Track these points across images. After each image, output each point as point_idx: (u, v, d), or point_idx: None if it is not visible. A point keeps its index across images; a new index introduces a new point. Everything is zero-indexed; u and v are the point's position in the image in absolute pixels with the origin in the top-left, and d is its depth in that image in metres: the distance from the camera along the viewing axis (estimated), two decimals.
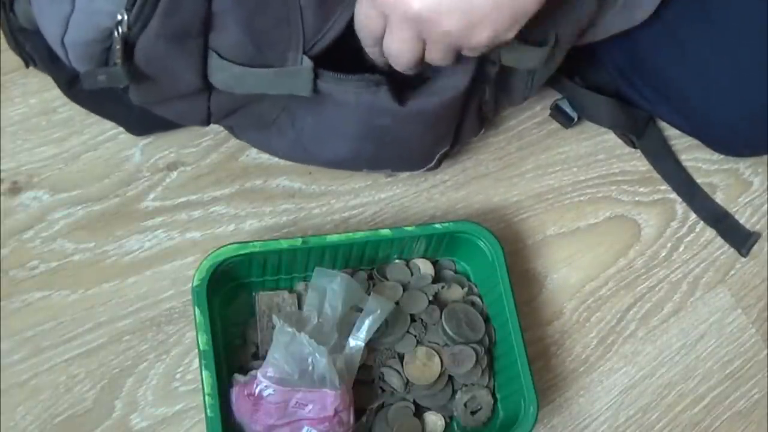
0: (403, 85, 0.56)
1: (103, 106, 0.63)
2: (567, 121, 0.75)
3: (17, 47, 0.60)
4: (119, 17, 0.48)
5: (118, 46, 0.49)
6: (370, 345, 0.59)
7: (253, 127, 0.61)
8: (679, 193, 0.76)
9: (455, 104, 0.59)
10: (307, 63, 0.52)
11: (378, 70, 0.56)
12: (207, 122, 0.59)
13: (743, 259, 0.76)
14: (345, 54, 0.54)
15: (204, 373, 0.54)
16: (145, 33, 0.49)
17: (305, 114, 0.58)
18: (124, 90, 0.54)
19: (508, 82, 0.63)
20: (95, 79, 0.51)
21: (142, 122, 0.64)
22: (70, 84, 0.61)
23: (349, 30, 0.52)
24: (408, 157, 0.63)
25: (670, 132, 0.78)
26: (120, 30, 0.48)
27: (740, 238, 0.76)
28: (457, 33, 0.48)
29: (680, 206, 0.76)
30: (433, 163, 0.64)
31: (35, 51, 0.59)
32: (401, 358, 0.61)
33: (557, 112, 0.75)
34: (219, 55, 0.52)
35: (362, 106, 0.55)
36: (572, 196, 0.74)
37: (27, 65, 0.62)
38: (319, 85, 0.53)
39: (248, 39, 0.51)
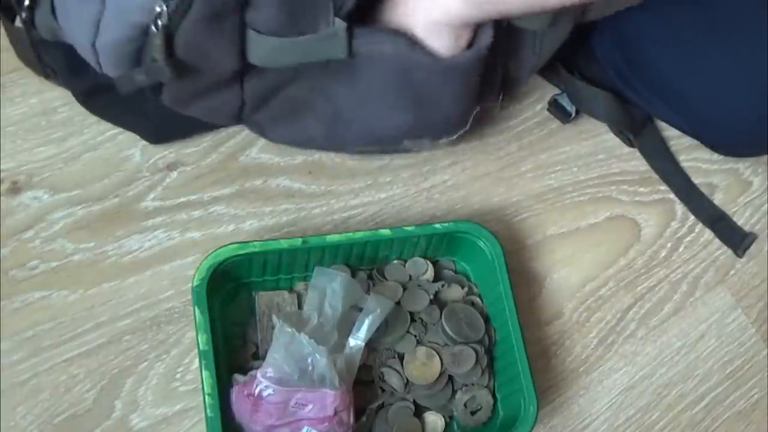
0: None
1: (120, 116, 0.63)
2: (565, 116, 0.75)
3: (38, 60, 0.59)
4: (158, 9, 0.47)
5: (157, 41, 0.48)
6: (370, 345, 0.59)
7: (286, 118, 0.60)
8: (675, 193, 0.76)
9: (485, 57, 0.58)
10: (340, 23, 0.52)
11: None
12: (239, 117, 0.58)
13: (743, 260, 0.76)
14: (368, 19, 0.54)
15: (204, 373, 0.54)
16: (187, 18, 0.48)
17: (338, 86, 0.57)
18: (155, 92, 0.53)
19: (515, 45, 0.62)
20: (132, 80, 0.50)
21: (160, 130, 0.64)
22: (89, 94, 0.61)
23: None
24: (445, 119, 0.62)
25: (670, 132, 0.78)
26: (160, 22, 0.47)
27: (737, 240, 0.76)
28: None
29: (680, 206, 0.76)
30: (468, 126, 0.63)
31: (54, 63, 0.59)
32: (401, 358, 0.61)
33: (555, 107, 0.75)
34: (256, 30, 0.51)
35: (398, 59, 0.54)
36: (572, 196, 0.74)
37: (47, 77, 0.62)
38: (353, 45, 0.53)
39: (283, 10, 0.50)
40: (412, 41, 0.54)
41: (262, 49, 0.52)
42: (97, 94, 0.60)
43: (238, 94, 0.56)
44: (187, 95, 0.55)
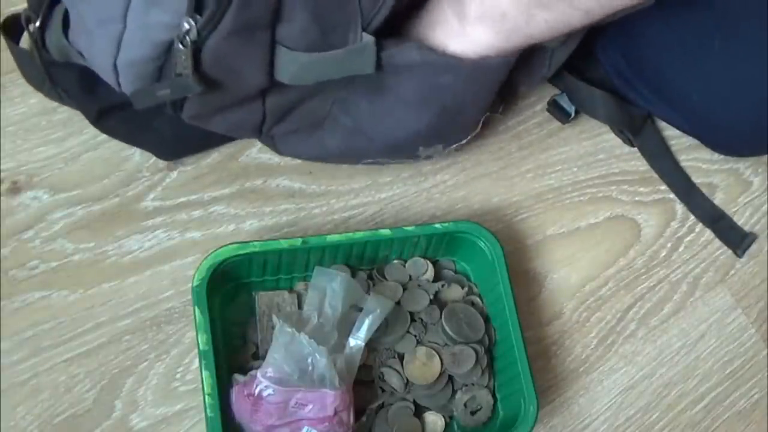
0: None
1: (133, 135, 0.63)
2: (564, 117, 0.75)
3: (49, 81, 0.59)
4: (186, 26, 0.46)
5: (183, 57, 0.47)
6: (370, 345, 0.59)
7: (304, 131, 0.60)
8: (675, 193, 0.76)
9: (509, 64, 0.58)
10: (369, 38, 0.52)
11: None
12: (259, 130, 0.58)
13: (743, 260, 0.76)
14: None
15: (204, 373, 0.54)
16: (216, 33, 0.47)
17: (359, 99, 0.57)
18: (176, 108, 0.53)
19: (529, 58, 0.62)
20: (153, 95, 0.49)
21: (173, 147, 0.64)
22: (101, 115, 0.60)
23: (398, 6, 0.52)
24: (461, 124, 0.62)
25: (670, 132, 0.78)
26: (189, 38, 0.47)
27: (736, 239, 0.76)
28: None
29: (680, 206, 0.76)
30: (477, 129, 0.64)
31: (66, 84, 0.59)
32: (401, 358, 0.61)
33: (554, 108, 0.75)
34: (286, 47, 0.51)
35: (426, 65, 0.54)
36: (572, 196, 0.74)
37: (59, 100, 0.61)
38: (381, 58, 0.53)
39: (315, 24, 0.50)
40: (439, 48, 0.54)
41: (291, 66, 0.51)
42: (110, 114, 0.60)
43: (260, 108, 0.56)
44: (209, 111, 0.54)
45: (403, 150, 0.63)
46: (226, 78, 0.51)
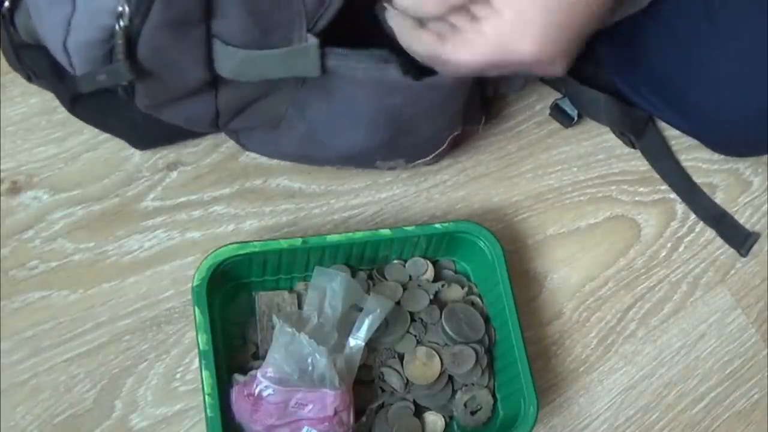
0: (414, 61, 0.53)
1: (107, 121, 0.63)
2: (567, 121, 0.75)
3: (19, 62, 0.59)
4: (120, 9, 0.47)
5: (120, 41, 0.47)
6: (370, 345, 0.59)
7: (261, 129, 0.60)
8: (678, 193, 0.76)
9: (467, 80, 0.57)
10: (312, 40, 0.51)
11: (387, 45, 0.53)
12: (215, 124, 0.58)
13: (743, 259, 0.76)
14: (353, 32, 0.52)
15: (204, 373, 0.54)
16: (147, 23, 0.47)
17: (315, 102, 0.56)
18: (129, 96, 0.53)
19: None
20: (94, 79, 0.49)
21: (146, 136, 0.64)
22: (75, 100, 0.60)
23: (351, 5, 0.50)
24: (421, 143, 0.61)
25: (670, 132, 0.78)
26: (121, 23, 0.47)
27: (739, 239, 0.76)
28: None
29: (680, 206, 0.76)
30: (444, 146, 0.63)
31: (37, 67, 0.59)
32: (401, 358, 0.61)
33: (557, 112, 0.75)
34: (224, 42, 0.50)
35: (372, 84, 0.53)
36: (572, 196, 0.74)
37: (29, 80, 0.61)
38: (327, 64, 0.52)
39: (252, 22, 0.49)
40: (385, 63, 0.52)
41: (229, 60, 0.51)
42: (84, 100, 0.60)
43: (213, 102, 0.56)
44: (159, 101, 0.54)
45: (357, 161, 0.63)
46: (164, 69, 0.51)
